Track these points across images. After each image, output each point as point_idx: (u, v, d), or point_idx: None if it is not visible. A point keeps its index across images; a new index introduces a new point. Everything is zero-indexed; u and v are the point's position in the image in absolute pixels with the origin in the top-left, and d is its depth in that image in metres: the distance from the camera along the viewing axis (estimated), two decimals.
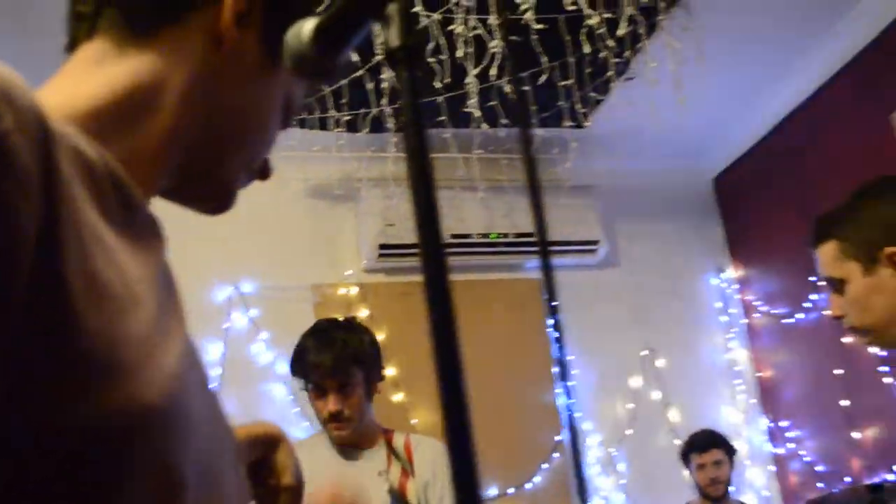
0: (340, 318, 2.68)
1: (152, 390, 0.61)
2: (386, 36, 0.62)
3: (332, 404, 2.43)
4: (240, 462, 0.82)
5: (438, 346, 0.57)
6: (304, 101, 0.89)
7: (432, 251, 0.58)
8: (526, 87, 3.76)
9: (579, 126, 4.29)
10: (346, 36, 0.70)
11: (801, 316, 4.86)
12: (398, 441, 2.56)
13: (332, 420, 2.44)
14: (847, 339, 4.49)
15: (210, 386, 0.78)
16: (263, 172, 0.88)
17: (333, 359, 2.44)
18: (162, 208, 0.80)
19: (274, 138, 0.86)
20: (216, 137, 0.80)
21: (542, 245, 0.50)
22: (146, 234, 0.71)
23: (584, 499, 0.51)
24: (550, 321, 4.68)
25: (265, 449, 1.02)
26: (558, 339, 0.46)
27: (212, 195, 0.85)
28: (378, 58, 3.41)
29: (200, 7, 0.78)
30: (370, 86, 3.70)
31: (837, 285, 1.86)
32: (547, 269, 0.49)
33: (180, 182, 0.81)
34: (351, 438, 2.50)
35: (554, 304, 0.50)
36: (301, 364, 2.49)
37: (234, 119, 0.81)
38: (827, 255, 1.89)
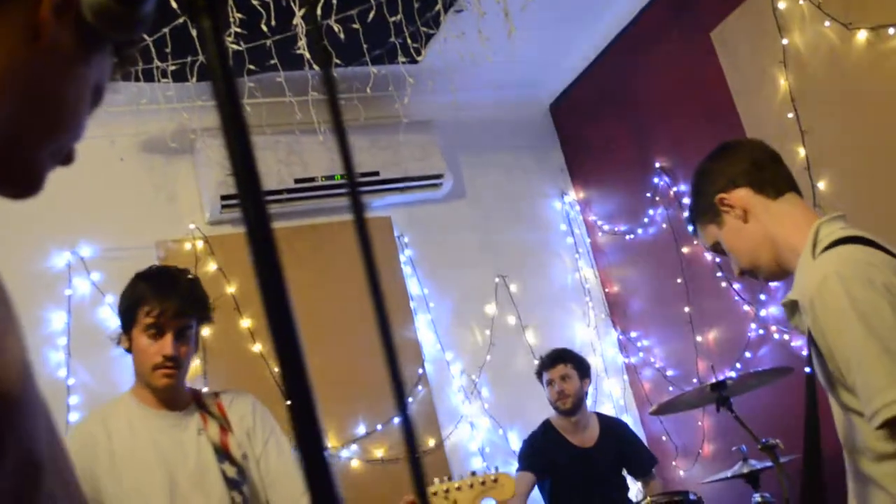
0: (176, 267, 2.59)
1: (10, 377, 0.62)
2: None
3: (169, 347, 2.35)
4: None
5: (266, 295, 0.56)
6: (110, 80, 0.87)
7: (251, 202, 0.57)
8: (355, 25, 3.71)
9: (413, 61, 4.28)
10: None
11: (640, 231, 5.07)
12: (208, 400, 2.54)
13: (165, 364, 2.36)
14: (686, 249, 4.72)
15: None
16: (68, 158, 0.86)
17: (181, 301, 2.37)
18: None
19: (85, 124, 0.84)
20: (28, 125, 0.78)
21: (352, 186, 0.50)
22: None
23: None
24: (403, 257, 4.69)
25: None
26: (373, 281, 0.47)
27: (18, 179, 0.82)
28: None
29: None
30: (194, 32, 3.58)
31: (721, 251, 2.17)
32: (358, 210, 0.50)
33: None
34: (170, 393, 2.45)
35: (368, 247, 0.50)
36: (139, 302, 2.37)
37: (49, 108, 0.79)
38: (700, 236, 2.22)
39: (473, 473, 2.85)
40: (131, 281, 2.46)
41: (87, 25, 0.74)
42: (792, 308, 1.96)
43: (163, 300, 2.35)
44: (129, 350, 2.43)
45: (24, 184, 0.82)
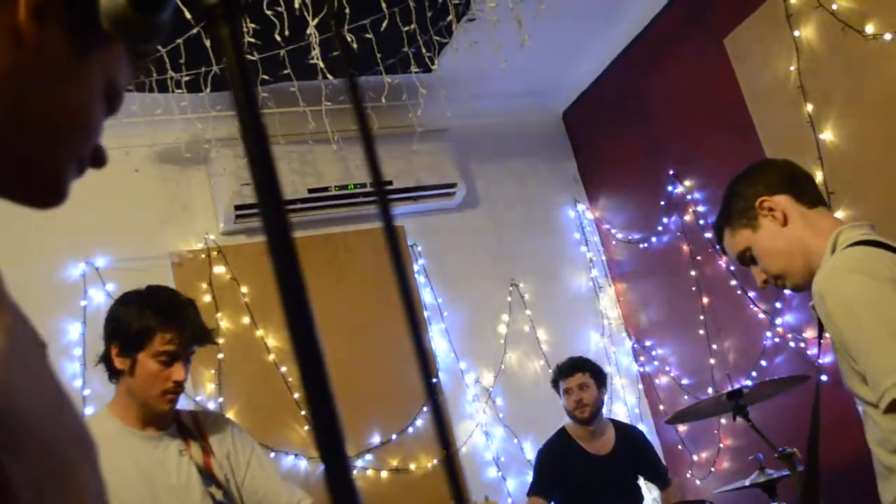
0: (172, 289, 2.61)
1: None
2: None
3: (180, 374, 2.39)
4: (94, 452, 0.79)
5: (288, 305, 0.56)
6: (128, 82, 0.84)
7: (272, 211, 0.57)
8: (368, 35, 3.72)
9: (427, 70, 4.29)
10: None
11: (654, 240, 5.05)
12: (187, 420, 2.56)
13: (175, 390, 2.40)
14: (700, 257, 4.70)
15: (53, 376, 0.75)
16: (97, 160, 0.83)
17: (194, 330, 2.41)
18: None
19: (99, 127, 0.81)
20: (32, 134, 0.75)
21: (381, 195, 0.50)
22: None
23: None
24: (416, 266, 4.69)
25: None
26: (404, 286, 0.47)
27: (38, 189, 0.80)
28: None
29: None
30: (208, 42, 3.59)
31: (748, 259, 2.24)
32: (387, 220, 0.49)
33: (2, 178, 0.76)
34: (164, 414, 2.47)
35: (397, 253, 0.49)
36: (155, 329, 2.38)
37: (50, 114, 0.76)
38: (728, 243, 2.29)
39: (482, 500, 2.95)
40: (136, 303, 2.44)
41: (81, 23, 0.72)
42: (814, 312, 2.05)
43: (181, 330, 2.39)
44: (119, 371, 2.41)
45: (45, 194, 0.80)
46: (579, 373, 4.30)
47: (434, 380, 4.82)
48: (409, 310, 0.49)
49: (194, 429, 2.53)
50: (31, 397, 0.68)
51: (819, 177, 3.81)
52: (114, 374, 2.44)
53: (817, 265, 2.09)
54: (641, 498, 4.36)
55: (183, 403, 2.59)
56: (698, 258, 4.71)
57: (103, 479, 0.78)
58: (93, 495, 0.73)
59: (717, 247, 2.42)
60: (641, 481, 4.43)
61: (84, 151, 0.81)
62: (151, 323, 2.37)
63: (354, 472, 4.48)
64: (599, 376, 4.37)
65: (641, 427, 4.99)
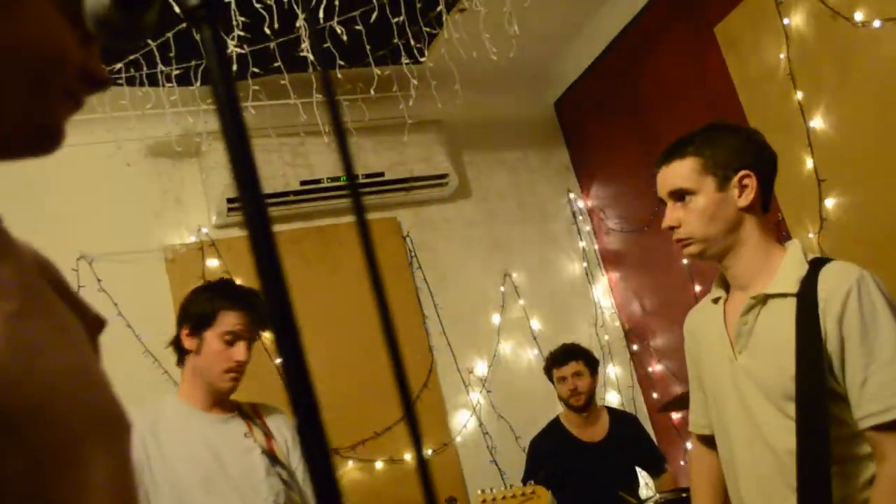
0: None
1: None
2: None
3: (243, 354, 2.54)
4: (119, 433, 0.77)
5: (269, 296, 0.56)
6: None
7: (252, 209, 0.57)
8: (358, 26, 3.72)
9: (417, 61, 4.28)
10: None
11: (647, 228, 5.05)
12: (246, 407, 2.69)
13: (237, 369, 2.55)
14: None
15: (81, 347, 0.74)
16: (92, 83, 0.78)
17: (260, 313, 2.55)
18: None
19: (68, 50, 0.74)
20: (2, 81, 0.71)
21: (353, 188, 0.50)
22: None
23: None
24: (409, 257, 4.66)
25: None
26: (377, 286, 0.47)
27: (30, 135, 0.76)
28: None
29: None
30: (198, 36, 3.58)
31: (685, 197, 2.10)
32: (359, 212, 0.49)
33: None
34: (226, 395, 2.61)
35: (370, 247, 0.50)
36: (217, 310, 2.54)
37: (9, 55, 0.71)
38: (686, 168, 2.10)
39: (512, 485, 3.21)
40: (208, 290, 2.64)
41: None
42: (756, 303, 2.02)
43: (247, 312, 2.55)
44: (187, 351, 2.57)
45: (37, 138, 0.76)
46: (573, 361, 4.30)
47: (428, 369, 4.83)
48: (382, 307, 0.50)
49: (253, 414, 2.67)
50: (41, 372, 0.65)
51: (809, 164, 3.82)
52: (182, 355, 2.60)
53: (756, 263, 2.06)
54: (637, 483, 4.36)
55: None
56: None
57: (127, 462, 0.75)
58: (109, 478, 0.71)
59: (663, 158, 2.20)
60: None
61: (63, 81, 0.76)
62: (218, 304, 2.54)
63: (349, 463, 4.50)
64: (592, 363, 4.37)
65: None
